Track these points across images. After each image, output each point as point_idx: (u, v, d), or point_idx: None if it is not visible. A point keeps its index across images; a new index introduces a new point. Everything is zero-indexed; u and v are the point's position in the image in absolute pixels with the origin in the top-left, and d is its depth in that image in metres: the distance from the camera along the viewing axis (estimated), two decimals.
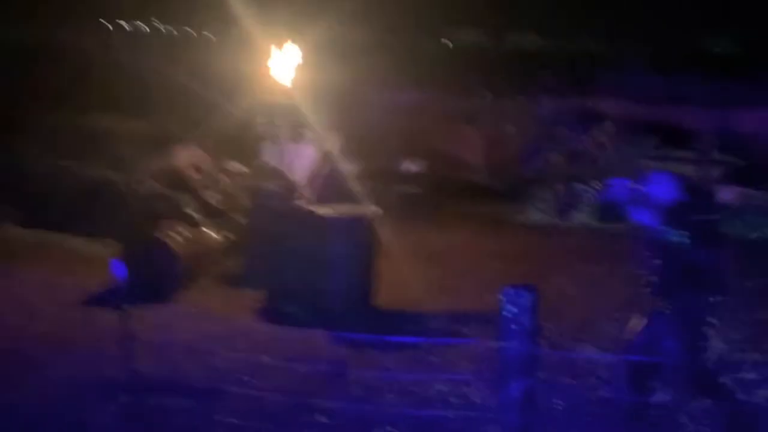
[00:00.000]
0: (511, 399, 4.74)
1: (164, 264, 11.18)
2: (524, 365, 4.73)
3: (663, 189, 7.01)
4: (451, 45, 25.89)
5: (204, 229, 12.78)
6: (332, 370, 8.52)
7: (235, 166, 14.84)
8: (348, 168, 12.27)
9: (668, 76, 19.25)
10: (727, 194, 15.22)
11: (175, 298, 11.10)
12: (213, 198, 13.93)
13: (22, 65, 19.86)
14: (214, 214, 13.56)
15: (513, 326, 4.66)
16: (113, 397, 7.81)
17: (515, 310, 4.70)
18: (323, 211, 10.80)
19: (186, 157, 14.39)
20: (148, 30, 23.29)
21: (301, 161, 12.61)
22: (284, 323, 10.13)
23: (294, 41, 12.68)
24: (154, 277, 10.82)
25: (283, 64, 12.59)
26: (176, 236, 11.76)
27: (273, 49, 12.60)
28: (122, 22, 28.41)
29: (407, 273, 11.68)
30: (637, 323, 7.08)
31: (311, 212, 10.86)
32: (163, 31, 24.15)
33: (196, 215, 13.23)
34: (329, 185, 11.62)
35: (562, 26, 23.69)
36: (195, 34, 23.91)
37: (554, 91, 19.23)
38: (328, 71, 15.03)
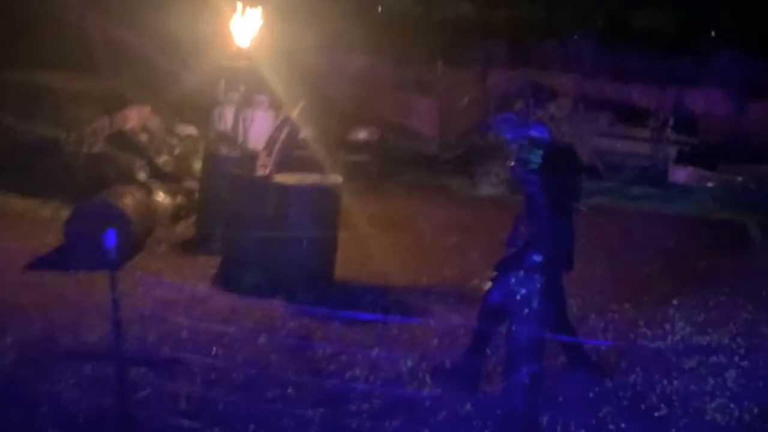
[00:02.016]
0: (520, 383, 4.61)
1: (116, 228, 10.80)
2: (534, 350, 4.61)
3: (538, 130, 7.68)
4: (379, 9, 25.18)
5: (155, 192, 12.46)
6: (297, 342, 8.37)
7: (188, 130, 14.54)
8: (306, 135, 12.08)
9: (618, 52, 19.16)
10: (680, 174, 15.27)
11: (127, 263, 10.78)
12: (164, 162, 13.65)
13: None
14: (164, 178, 13.29)
15: (525, 310, 4.51)
16: (76, 367, 7.60)
17: (525, 292, 4.55)
18: (284, 179, 10.53)
19: (136, 119, 14.07)
20: None
21: (257, 127, 12.36)
22: (242, 292, 9.84)
23: (250, 5, 12.43)
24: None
25: (240, 27, 12.35)
26: (127, 199, 11.40)
27: (230, 12, 12.35)
28: None
29: (365, 244, 11.53)
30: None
31: (271, 180, 10.57)
32: None
33: (146, 178, 12.96)
34: (287, 152, 11.39)
35: None
36: None
37: (507, 64, 19.09)
38: (281, 36, 14.73)
